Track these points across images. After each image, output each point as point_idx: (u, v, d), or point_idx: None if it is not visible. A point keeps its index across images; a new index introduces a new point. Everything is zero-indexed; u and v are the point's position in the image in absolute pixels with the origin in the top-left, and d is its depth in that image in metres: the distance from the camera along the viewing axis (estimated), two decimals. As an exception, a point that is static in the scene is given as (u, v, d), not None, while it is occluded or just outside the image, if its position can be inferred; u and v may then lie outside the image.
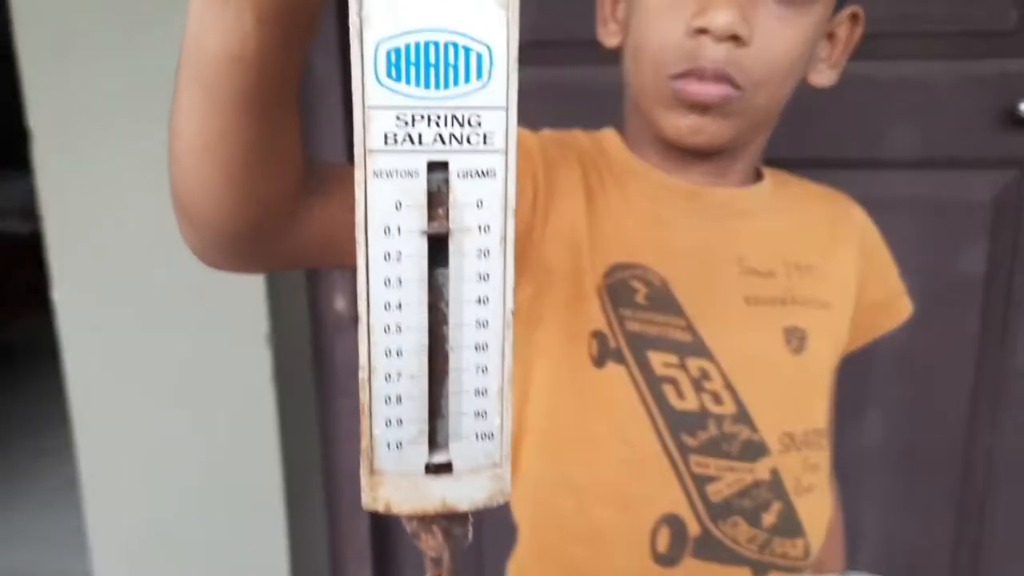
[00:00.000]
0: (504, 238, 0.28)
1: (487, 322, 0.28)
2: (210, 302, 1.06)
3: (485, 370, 0.29)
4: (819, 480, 0.66)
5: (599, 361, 0.62)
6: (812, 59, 0.64)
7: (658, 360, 0.62)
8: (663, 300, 0.63)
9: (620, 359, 0.62)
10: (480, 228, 0.27)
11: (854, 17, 0.65)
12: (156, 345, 1.10)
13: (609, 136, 0.69)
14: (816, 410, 0.67)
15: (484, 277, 0.28)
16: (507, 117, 0.27)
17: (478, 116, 0.27)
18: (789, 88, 0.62)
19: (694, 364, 0.62)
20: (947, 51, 1.03)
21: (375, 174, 0.27)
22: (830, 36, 0.65)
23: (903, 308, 0.75)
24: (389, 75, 0.26)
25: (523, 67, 0.27)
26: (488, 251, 0.28)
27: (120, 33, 0.99)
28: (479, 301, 0.28)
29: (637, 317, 0.62)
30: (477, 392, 0.29)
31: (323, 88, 1.07)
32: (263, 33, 0.35)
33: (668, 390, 0.62)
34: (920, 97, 1.04)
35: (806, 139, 1.03)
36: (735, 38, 0.57)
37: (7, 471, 2.34)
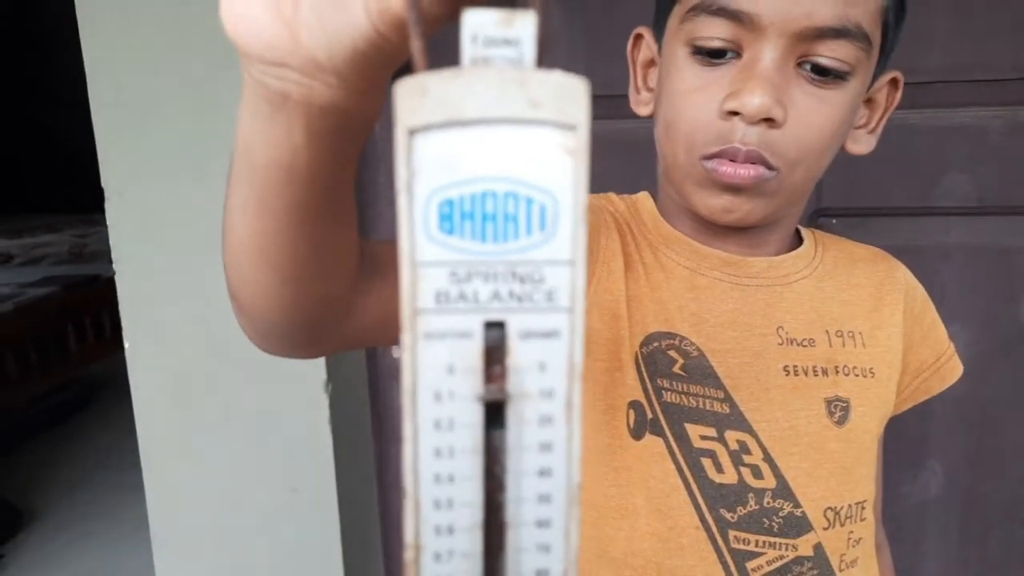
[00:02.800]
0: (569, 403, 0.24)
1: (550, 496, 0.25)
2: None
3: (548, 550, 0.25)
4: (863, 553, 0.63)
5: (636, 432, 0.61)
6: (851, 127, 0.62)
7: (696, 432, 0.60)
8: (700, 371, 0.61)
9: (657, 431, 0.60)
10: (542, 393, 0.24)
11: (894, 82, 0.63)
12: (220, 393, 1.13)
13: (644, 201, 0.68)
14: (860, 482, 0.64)
15: (547, 447, 0.25)
16: (574, 273, 0.24)
17: (540, 272, 0.23)
18: (826, 163, 0.60)
19: (733, 437, 0.60)
20: (1001, 98, 1.01)
21: (425, 336, 0.24)
22: (869, 102, 0.63)
23: (953, 369, 0.72)
24: (441, 229, 0.23)
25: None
26: (551, 418, 0.24)
27: (192, 96, 1.01)
28: (541, 473, 0.25)
29: (674, 388, 0.61)
30: (538, 574, 0.25)
31: (370, 161, 1.07)
32: (314, 148, 0.33)
33: (706, 463, 0.60)
34: (974, 144, 1.02)
35: (859, 188, 1.01)
36: (768, 120, 0.55)
37: (85, 507, 2.40)
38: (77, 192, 3.27)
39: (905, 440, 0.69)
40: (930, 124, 1.00)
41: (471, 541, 0.25)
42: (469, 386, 0.24)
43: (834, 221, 0.69)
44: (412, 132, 0.22)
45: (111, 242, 1.09)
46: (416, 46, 0.23)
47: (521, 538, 0.25)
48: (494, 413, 0.25)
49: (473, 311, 0.24)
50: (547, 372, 0.24)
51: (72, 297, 2.88)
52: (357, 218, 0.42)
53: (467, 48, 0.22)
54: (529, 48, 0.22)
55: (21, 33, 3.94)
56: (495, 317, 0.24)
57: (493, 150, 0.23)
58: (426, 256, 0.23)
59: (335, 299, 0.44)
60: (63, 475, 2.60)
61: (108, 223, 1.08)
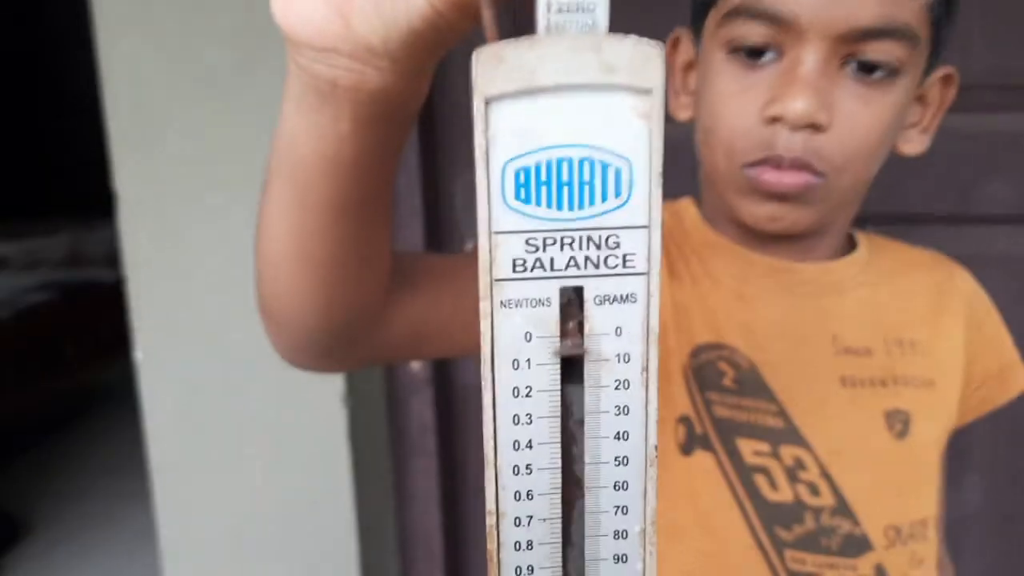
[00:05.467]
0: (646, 368, 0.25)
1: (627, 460, 0.25)
2: (288, 364, 1.05)
3: (625, 511, 0.26)
4: (926, 575, 0.61)
5: (686, 448, 0.58)
6: (901, 127, 0.59)
7: (748, 448, 0.58)
8: (752, 384, 0.59)
9: (708, 446, 0.58)
10: (619, 358, 0.25)
11: (946, 79, 0.60)
12: (234, 404, 1.11)
13: (687, 208, 0.65)
14: (923, 499, 0.62)
15: (624, 410, 0.25)
16: (650, 237, 0.24)
17: (616, 237, 0.24)
18: (877, 165, 0.57)
19: (787, 452, 0.58)
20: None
21: (503, 304, 0.24)
22: (921, 99, 0.60)
23: (1020, 378, 0.68)
24: (518, 197, 0.23)
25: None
26: (628, 382, 0.25)
27: (207, 101, 1.00)
28: (618, 437, 0.25)
29: (725, 402, 0.58)
30: (616, 535, 0.26)
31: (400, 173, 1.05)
32: (360, 137, 0.33)
33: (760, 480, 0.58)
34: (1016, 150, 0.99)
35: (897, 194, 0.98)
36: (813, 125, 0.52)
37: (85, 517, 2.37)
38: (74, 195, 3.25)
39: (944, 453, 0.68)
40: (971, 128, 0.97)
41: (550, 505, 0.25)
42: (546, 353, 0.24)
43: (867, 228, 0.66)
44: (489, 101, 0.22)
45: (122, 248, 1.07)
46: (488, 16, 0.24)
47: (599, 500, 0.26)
48: (570, 371, 0.25)
49: (550, 278, 0.24)
50: (624, 336, 0.25)
51: (71, 304, 2.85)
52: (392, 220, 0.42)
53: (542, 15, 0.22)
54: (603, 14, 0.22)
55: (21, 37, 3.90)
56: (572, 283, 0.24)
57: (568, 117, 0.23)
58: (503, 225, 0.23)
59: (369, 304, 0.44)
60: (61, 484, 2.55)
61: (120, 228, 1.06)
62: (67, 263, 3.20)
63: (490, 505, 0.25)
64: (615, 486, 0.26)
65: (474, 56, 0.22)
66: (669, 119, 0.64)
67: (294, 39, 0.31)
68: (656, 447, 0.25)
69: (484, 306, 0.24)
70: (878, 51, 0.52)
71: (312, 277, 0.40)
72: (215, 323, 1.07)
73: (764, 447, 0.58)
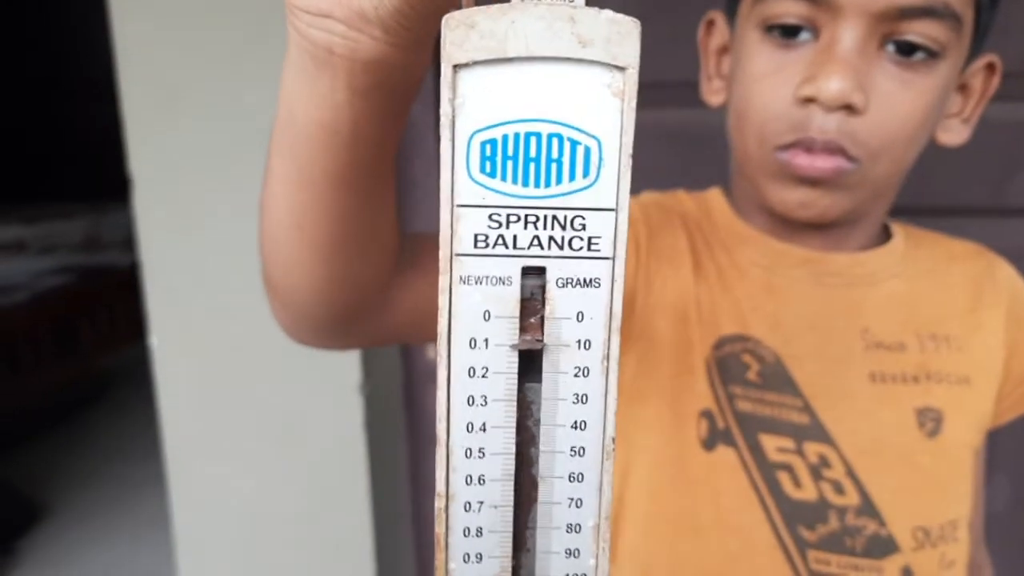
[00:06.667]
0: (607, 356, 0.24)
1: (583, 450, 0.24)
2: (304, 351, 1.05)
3: (580, 504, 0.25)
4: None
5: (709, 443, 0.57)
6: (942, 115, 0.57)
7: (771, 444, 0.56)
8: (777, 378, 0.57)
9: (730, 441, 0.56)
10: (580, 344, 0.24)
11: (990, 67, 0.58)
12: (250, 391, 1.10)
13: (715, 198, 0.63)
14: (954, 499, 0.59)
15: (582, 399, 0.24)
16: (617, 220, 0.23)
17: (582, 218, 0.23)
18: (914, 154, 0.55)
19: (812, 449, 0.56)
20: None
21: (462, 280, 0.23)
22: (963, 88, 0.58)
23: None
24: (483, 170, 0.23)
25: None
26: (587, 370, 0.24)
27: (222, 85, 1.01)
28: (575, 426, 0.24)
29: (748, 396, 0.57)
30: (569, 528, 0.25)
31: (406, 153, 1.05)
32: (357, 106, 0.33)
33: (783, 477, 0.56)
34: None
35: (927, 185, 0.95)
36: (848, 107, 0.50)
37: (100, 500, 2.38)
38: (90, 180, 3.29)
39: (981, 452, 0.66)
40: (1006, 117, 0.93)
41: (502, 492, 0.25)
42: (505, 334, 0.24)
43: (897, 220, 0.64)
44: (457, 68, 0.22)
45: (138, 233, 1.07)
46: (466, -18, 0.23)
47: (553, 491, 0.25)
48: (529, 365, 0.24)
49: (512, 256, 0.23)
50: (585, 322, 0.24)
51: (87, 287, 2.87)
52: (395, 198, 0.42)
53: (516, -17, 0.22)
54: (580, -16, 0.22)
55: (37, 23, 3.97)
56: (534, 263, 0.23)
57: (539, 90, 0.22)
58: (466, 198, 0.23)
59: (371, 282, 0.43)
60: (77, 467, 2.57)
61: (135, 213, 1.06)
62: (84, 247, 3.23)
63: (440, 487, 0.24)
64: (570, 477, 0.25)
65: (444, 21, 0.22)
66: (700, 104, 0.63)
67: (291, 1, 0.31)
68: (614, 439, 0.24)
69: (443, 281, 0.23)
70: (918, 31, 0.50)
71: (312, 253, 0.40)
72: (231, 309, 1.07)
73: (788, 443, 0.56)
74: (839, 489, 0.56)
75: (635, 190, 0.61)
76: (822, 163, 0.52)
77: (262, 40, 0.96)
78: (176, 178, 1.04)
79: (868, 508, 0.56)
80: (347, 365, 1.06)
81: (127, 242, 1.22)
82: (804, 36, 0.52)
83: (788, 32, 0.53)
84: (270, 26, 0.96)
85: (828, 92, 0.50)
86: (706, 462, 0.57)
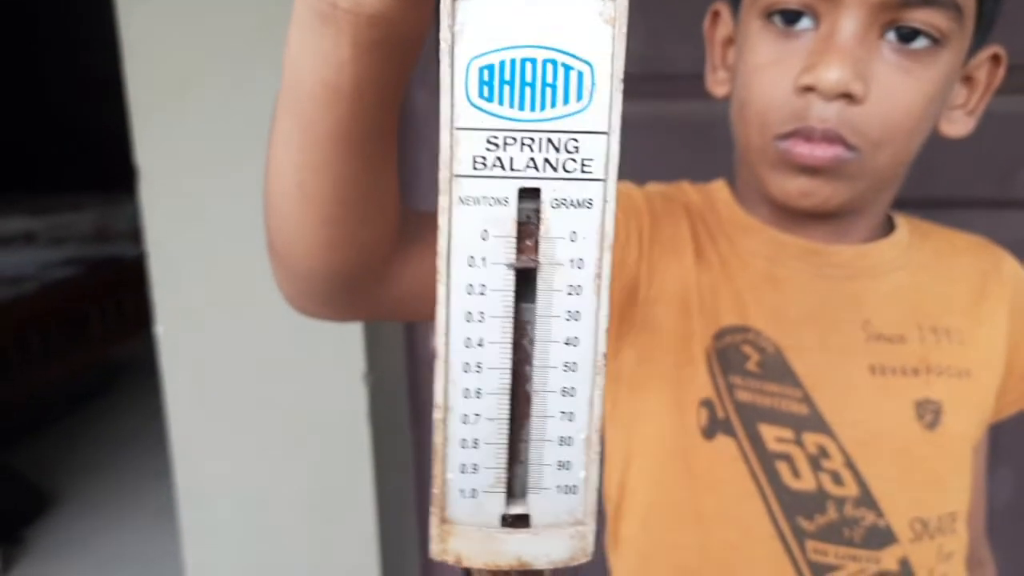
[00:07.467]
0: (599, 275, 0.25)
1: (576, 365, 0.26)
2: (309, 340, 1.07)
3: (571, 417, 0.26)
4: (954, 570, 0.59)
5: (709, 432, 0.57)
6: (945, 107, 0.57)
7: (771, 434, 0.57)
8: (777, 368, 0.57)
9: (729, 431, 0.57)
10: (572, 263, 0.25)
11: (995, 59, 0.58)
12: (255, 380, 1.11)
13: (719, 189, 0.64)
14: (953, 492, 0.60)
15: (574, 316, 0.25)
16: (608, 143, 0.24)
17: (576, 141, 0.24)
18: (916, 145, 0.56)
19: (811, 440, 0.57)
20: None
21: (461, 200, 0.25)
22: (967, 79, 0.58)
23: None
24: (481, 95, 0.24)
25: (628, 99, 0.24)
26: (580, 288, 0.25)
27: (228, 77, 1.01)
28: (568, 342, 0.26)
29: (748, 386, 0.57)
30: (561, 441, 0.26)
31: (412, 139, 1.05)
32: (360, 62, 0.34)
33: (782, 467, 0.56)
34: None
35: (931, 177, 0.95)
36: (847, 96, 0.51)
37: (109, 490, 2.39)
38: (101, 171, 3.31)
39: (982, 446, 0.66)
40: (1011, 109, 0.92)
41: (498, 406, 0.26)
42: (502, 253, 0.25)
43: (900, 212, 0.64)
44: (457, -4, 0.23)
45: (144, 223, 1.08)
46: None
47: (546, 405, 0.26)
48: (524, 285, 0.26)
49: (509, 178, 0.25)
50: (578, 242, 0.25)
51: (96, 278, 2.88)
52: (396, 165, 0.43)
53: (513, -85, 0.23)
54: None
55: (46, 16, 3.99)
56: (530, 184, 0.25)
57: (534, 17, 0.24)
58: (465, 121, 0.24)
59: (372, 248, 0.44)
60: (86, 457, 2.58)
61: (142, 203, 1.07)
62: (93, 238, 3.23)
63: (438, 399, 0.26)
64: (563, 392, 0.26)
65: (445, -49, 0.23)
66: (706, 96, 0.63)
67: None
68: (605, 355, 0.26)
69: (443, 201, 0.25)
70: (919, 19, 0.51)
71: (314, 214, 0.40)
72: (237, 298, 1.07)
73: (787, 433, 0.57)
74: (838, 480, 0.57)
75: (641, 181, 0.62)
76: (821, 152, 0.52)
77: (268, 31, 0.97)
78: (182, 169, 1.05)
79: (866, 499, 0.57)
80: (351, 354, 1.07)
81: (136, 234, 1.22)
82: (805, 24, 0.53)
83: (789, 19, 0.53)
84: (276, 17, 0.96)
85: (827, 81, 0.50)
86: (707, 452, 0.58)
